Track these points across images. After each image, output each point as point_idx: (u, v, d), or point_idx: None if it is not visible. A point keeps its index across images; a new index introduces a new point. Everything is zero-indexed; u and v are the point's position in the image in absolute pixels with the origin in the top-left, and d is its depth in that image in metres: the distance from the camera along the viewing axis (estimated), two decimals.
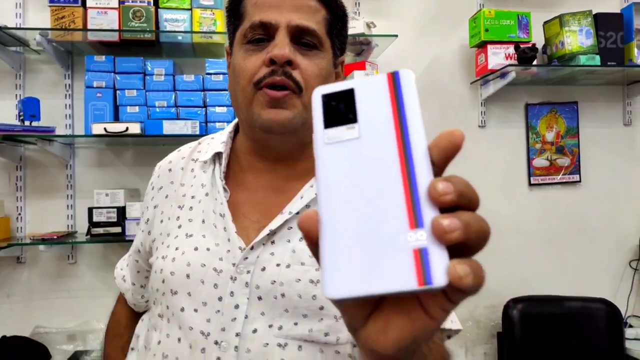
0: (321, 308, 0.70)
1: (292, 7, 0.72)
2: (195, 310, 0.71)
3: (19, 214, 1.91)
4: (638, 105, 2.27)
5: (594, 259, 2.20)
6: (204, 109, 1.87)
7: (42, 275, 1.95)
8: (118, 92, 1.83)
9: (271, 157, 0.79)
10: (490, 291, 2.11)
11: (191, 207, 0.79)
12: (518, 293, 2.06)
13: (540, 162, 2.19)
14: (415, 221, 0.29)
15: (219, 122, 1.88)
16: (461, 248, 0.29)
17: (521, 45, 1.96)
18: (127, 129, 1.75)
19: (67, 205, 1.95)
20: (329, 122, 0.33)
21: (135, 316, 0.94)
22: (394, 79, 0.33)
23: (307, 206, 0.75)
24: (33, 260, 1.94)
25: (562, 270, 2.18)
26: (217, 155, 0.81)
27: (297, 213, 0.74)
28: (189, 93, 1.87)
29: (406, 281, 0.28)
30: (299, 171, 0.79)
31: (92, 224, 1.79)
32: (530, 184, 2.19)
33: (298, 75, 0.72)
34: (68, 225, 1.94)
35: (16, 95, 1.92)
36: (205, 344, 0.69)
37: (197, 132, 1.81)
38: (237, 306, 0.70)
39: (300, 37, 0.73)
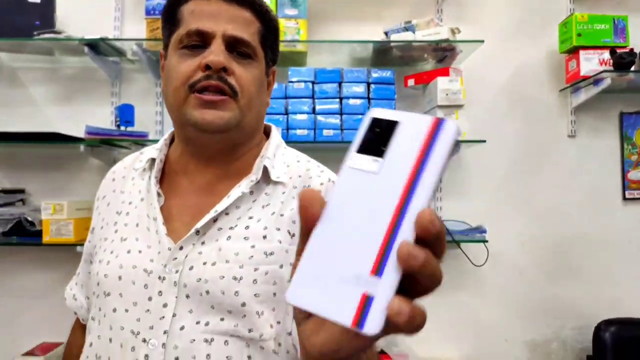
0: (243, 304, 0.71)
1: (228, 18, 0.76)
2: (126, 311, 0.73)
3: None
4: None
5: None
6: (285, 116, 1.90)
7: None
8: None
9: (203, 157, 0.81)
10: (578, 311, 1.99)
11: (128, 213, 0.82)
12: (608, 314, 1.92)
13: (636, 174, 2.05)
14: (378, 269, 0.31)
15: (300, 129, 1.90)
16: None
17: (618, 50, 1.85)
18: None
19: None
20: (361, 148, 0.35)
21: None
22: (437, 128, 0.33)
23: (237, 206, 0.77)
24: None
25: None
26: (152, 162, 0.84)
27: (227, 213, 0.77)
28: (272, 100, 1.91)
29: (344, 317, 0.31)
30: (231, 171, 0.81)
31: None
32: (624, 198, 2.04)
33: (233, 81, 0.75)
34: None
35: (112, 102, 2.05)
36: (134, 342, 0.71)
37: None
38: (165, 305, 0.72)
39: (235, 47, 0.77)
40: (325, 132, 1.90)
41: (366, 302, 0.31)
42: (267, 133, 0.91)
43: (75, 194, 2.03)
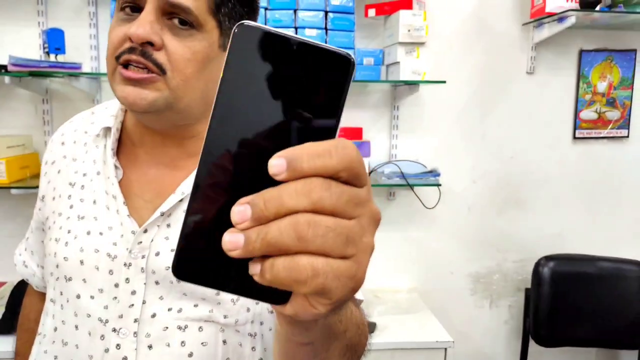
0: (217, 293, 0.69)
1: None
2: (92, 297, 0.70)
3: None
4: None
5: (632, 219, 2.13)
6: None
7: None
8: None
9: (157, 132, 0.74)
10: (521, 245, 2.09)
11: (83, 186, 0.76)
12: (550, 249, 2.02)
13: (588, 114, 2.07)
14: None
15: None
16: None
17: None
18: None
19: None
20: None
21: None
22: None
23: None
24: None
25: (598, 229, 2.12)
26: (108, 130, 0.77)
27: None
28: None
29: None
30: (192, 148, 0.75)
31: None
32: (574, 137, 2.07)
33: (162, 57, 0.64)
34: None
35: (38, 22, 1.82)
36: (104, 331, 0.69)
37: None
38: (134, 292, 0.69)
39: (173, 14, 0.64)
40: None
41: None
42: None
43: (5, 125, 1.86)
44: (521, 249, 2.10)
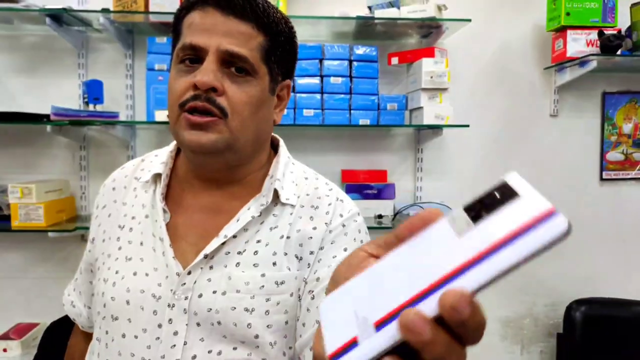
0: (256, 336, 0.72)
1: (224, 32, 0.72)
2: (136, 337, 0.73)
3: (83, 193, 1.96)
4: None
5: None
6: None
7: None
8: None
9: (206, 176, 0.79)
10: (551, 289, 2.04)
11: (131, 229, 0.80)
12: (581, 292, 1.98)
13: (614, 155, 2.06)
14: (381, 324, 0.30)
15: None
16: None
17: (605, 32, 1.80)
18: None
19: None
20: (469, 206, 0.32)
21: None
22: (541, 220, 0.29)
23: (245, 229, 0.76)
24: None
25: (631, 272, 2.07)
26: (158, 176, 0.82)
27: (235, 237, 0.75)
28: None
29: (331, 343, 0.32)
30: (236, 192, 0.79)
31: None
32: (601, 179, 2.06)
33: (224, 102, 0.71)
34: None
35: (79, 74, 1.93)
36: None
37: None
38: (176, 333, 0.71)
39: (232, 62, 0.72)
40: (306, 112, 1.83)
41: (350, 346, 0.31)
42: (275, 145, 0.88)
43: (44, 171, 1.95)
44: (551, 292, 2.05)
